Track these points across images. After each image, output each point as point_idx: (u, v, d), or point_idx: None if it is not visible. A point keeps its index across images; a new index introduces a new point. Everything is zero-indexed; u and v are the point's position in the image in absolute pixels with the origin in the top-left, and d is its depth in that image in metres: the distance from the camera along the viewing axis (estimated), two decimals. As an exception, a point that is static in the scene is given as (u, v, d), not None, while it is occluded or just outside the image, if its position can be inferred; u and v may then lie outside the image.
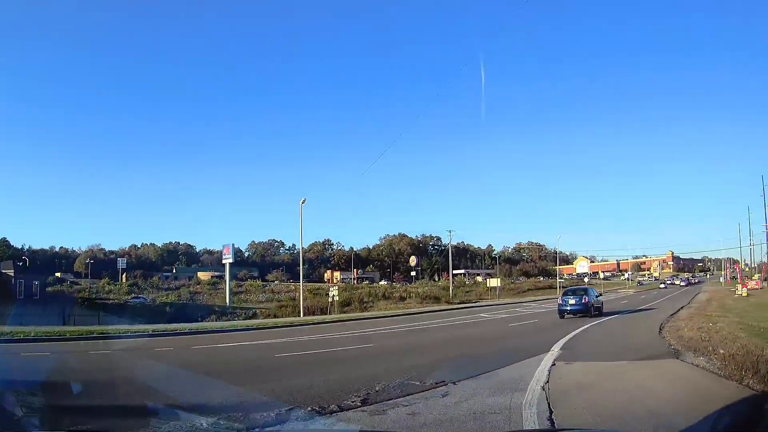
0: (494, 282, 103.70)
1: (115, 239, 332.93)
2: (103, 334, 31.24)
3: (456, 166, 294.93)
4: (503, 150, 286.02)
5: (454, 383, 13.12)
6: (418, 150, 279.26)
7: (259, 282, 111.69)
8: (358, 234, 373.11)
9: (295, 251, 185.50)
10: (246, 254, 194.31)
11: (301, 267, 64.77)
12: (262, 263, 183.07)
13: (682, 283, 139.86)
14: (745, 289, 60.99)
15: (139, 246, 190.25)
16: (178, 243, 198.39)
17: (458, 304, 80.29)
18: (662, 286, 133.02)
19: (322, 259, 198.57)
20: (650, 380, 13.42)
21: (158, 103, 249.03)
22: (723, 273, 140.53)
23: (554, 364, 15.82)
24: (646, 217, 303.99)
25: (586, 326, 30.88)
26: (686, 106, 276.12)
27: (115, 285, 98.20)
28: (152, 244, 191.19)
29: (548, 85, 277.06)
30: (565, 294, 40.93)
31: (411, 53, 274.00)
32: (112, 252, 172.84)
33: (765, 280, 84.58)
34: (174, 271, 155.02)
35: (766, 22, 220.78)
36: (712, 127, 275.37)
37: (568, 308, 38.26)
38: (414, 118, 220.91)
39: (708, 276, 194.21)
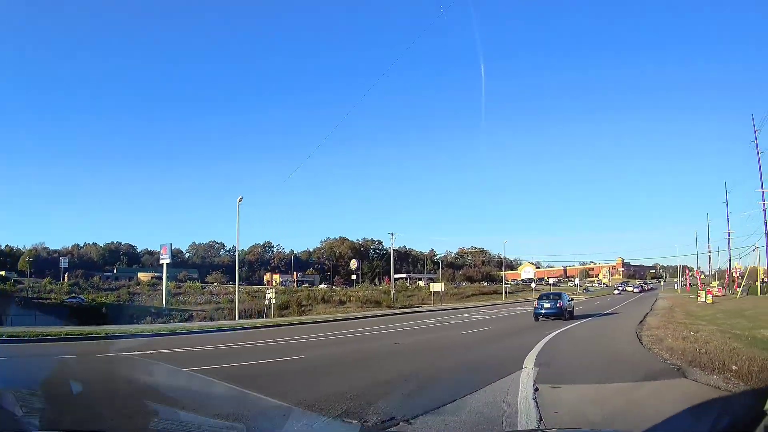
0: (437, 286, 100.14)
1: (59, 238, 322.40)
2: (12, 337, 28.62)
3: (398, 170, 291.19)
4: (446, 154, 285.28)
5: (408, 421, 9.14)
6: (359, 153, 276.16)
7: (198, 284, 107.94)
8: (299, 237, 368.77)
9: (236, 253, 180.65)
10: (187, 255, 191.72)
11: (237, 267, 60.54)
12: (202, 264, 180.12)
13: (636, 290, 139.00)
14: (710, 295, 58.93)
15: (81, 245, 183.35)
16: (120, 243, 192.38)
17: (400, 308, 78.17)
18: (616, 292, 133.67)
19: (262, 261, 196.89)
20: (677, 414, 9.22)
21: (104, 101, 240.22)
22: (678, 280, 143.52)
23: (537, 389, 11.95)
24: (595, 222, 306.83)
25: (554, 333, 28.06)
26: (635, 108, 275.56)
27: (57, 284, 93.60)
28: (94, 244, 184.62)
29: (494, 88, 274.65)
30: (540, 298, 42.39)
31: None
32: (55, 251, 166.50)
33: (727, 287, 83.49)
34: (115, 271, 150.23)
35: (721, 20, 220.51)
36: (663, 134, 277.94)
37: (543, 311, 40.02)
38: (342, 118, 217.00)
39: (662, 283, 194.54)
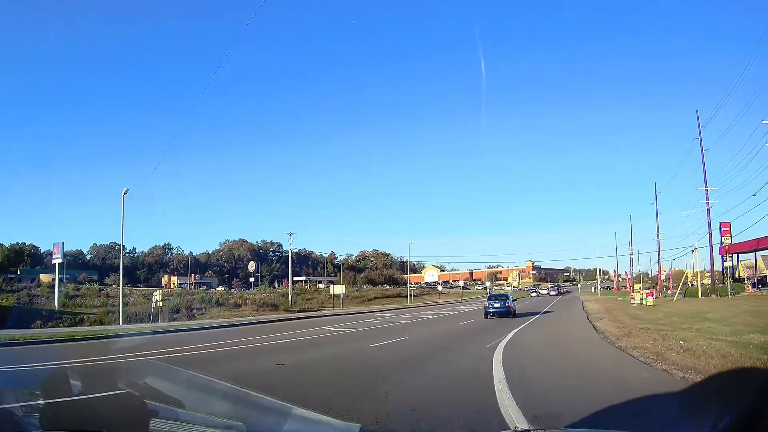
0: (338, 289, 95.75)
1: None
2: None
3: (298, 171, 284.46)
4: (347, 155, 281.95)
5: None
6: (261, 153, 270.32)
7: (96, 286, 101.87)
8: (200, 238, 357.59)
9: (136, 254, 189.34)
10: (88, 257, 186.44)
11: (121, 266, 60.15)
12: (102, 266, 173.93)
13: (552, 293, 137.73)
14: (650, 298, 56.50)
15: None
16: (24, 244, 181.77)
17: (298, 312, 74.13)
18: (533, 294, 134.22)
19: (161, 263, 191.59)
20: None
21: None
22: (596, 282, 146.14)
23: None
24: (503, 225, 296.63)
25: (502, 343, 22.51)
26: (548, 104, 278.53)
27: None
28: (0, 245, 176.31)
29: (391, 85, 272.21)
30: (489, 298, 48.01)
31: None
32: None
33: (659, 290, 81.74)
34: (18, 272, 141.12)
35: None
36: (578, 131, 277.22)
37: (493, 310, 44.71)
38: (191, 110, 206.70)
39: (579, 286, 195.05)
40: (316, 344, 26.44)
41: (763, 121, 55.50)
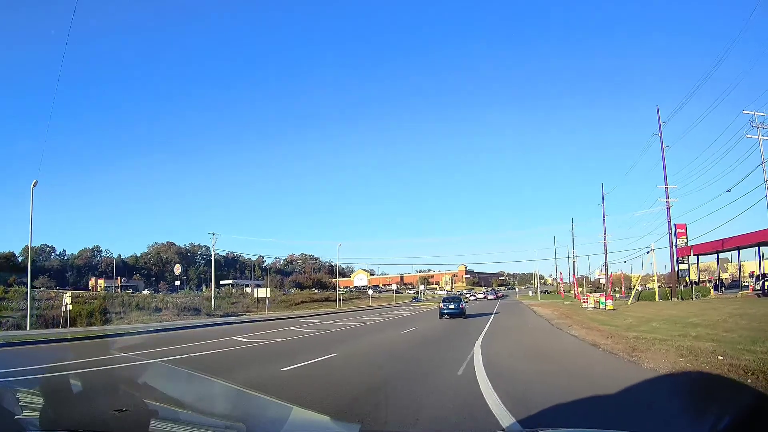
0: (263, 293, 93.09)
1: None
2: None
3: (225, 173, 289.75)
4: (276, 157, 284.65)
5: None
6: (190, 155, 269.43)
7: (23, 288, 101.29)
8: (129, 240, 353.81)
9: (66, 257, 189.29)
10: (20, 259, 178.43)
11: (29, 266, 57.02)
12: (33, 268, 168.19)
13: (490, 297, 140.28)
14: (609, 301, 54.79)
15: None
16: None
17: (221, 316, 74.21)
18: (472, 298, 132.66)
19: (90, 266, 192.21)
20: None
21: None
22: (535, 286, 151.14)
23: None
24: (434, 228, 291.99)
25: (477, 359, 17.74)
26: (483, 102, 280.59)
27: None
28: None
29: (317, 85, 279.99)
30: (444, 301, 52.48)
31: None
32: None
33: (610, 293, 78.79)
34: None
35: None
36: (514, 130, 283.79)
37: (447, 311, 49.31)
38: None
39: (517, 289, 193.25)
40: (207, 367, 18.17)
41: (744, 111, 54.23)
